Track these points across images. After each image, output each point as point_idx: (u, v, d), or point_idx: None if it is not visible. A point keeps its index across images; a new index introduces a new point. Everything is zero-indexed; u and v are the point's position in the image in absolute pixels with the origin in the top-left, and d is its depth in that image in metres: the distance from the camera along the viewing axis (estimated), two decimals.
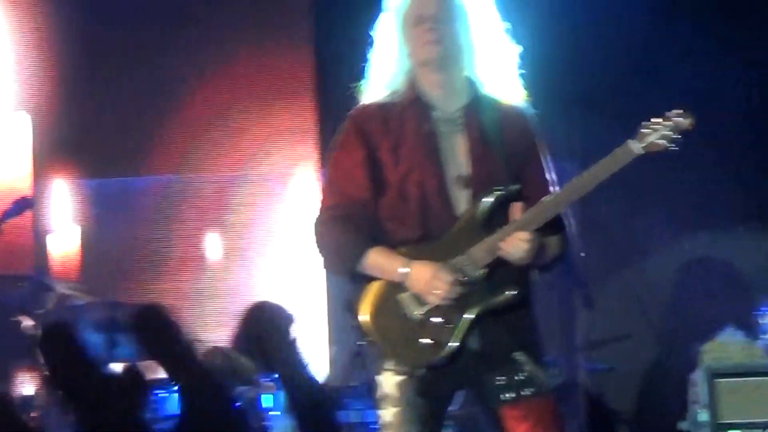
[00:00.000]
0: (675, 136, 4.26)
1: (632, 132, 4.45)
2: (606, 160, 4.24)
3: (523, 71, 4.50)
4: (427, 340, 4.25)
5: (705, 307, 7.53)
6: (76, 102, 8.08)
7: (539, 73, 4.88)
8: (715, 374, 6.39)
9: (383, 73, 4.45)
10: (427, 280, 4.23)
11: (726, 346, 6.49)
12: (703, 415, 6.38)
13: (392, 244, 4.31)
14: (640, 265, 7.80)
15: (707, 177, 7.33)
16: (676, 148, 4.26)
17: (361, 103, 4.43)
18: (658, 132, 4.27)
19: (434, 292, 4.22)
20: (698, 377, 6.47)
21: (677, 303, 7.95)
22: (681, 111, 4.28)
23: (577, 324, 7.34)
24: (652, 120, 4.28)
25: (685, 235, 7.81)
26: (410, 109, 4.35)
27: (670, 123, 4.27)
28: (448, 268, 4.26)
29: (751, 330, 6.61)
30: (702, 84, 7.48)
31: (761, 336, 6.55)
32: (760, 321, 6.61)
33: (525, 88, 4.49)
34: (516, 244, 4.21)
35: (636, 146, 4.24)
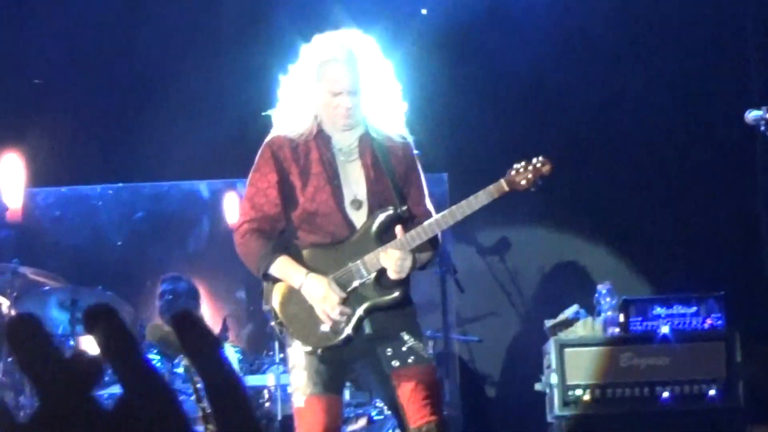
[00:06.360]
0: (535, 179, 4.72)
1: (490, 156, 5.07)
2: (480, 194, 4.64)
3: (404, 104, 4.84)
4: (327, 328, 4.66)
5: (555, 291, 7.86)
6: None
7: (418, 100, 5.37)
8: (563, 345, 6.72)
9: (292, 113, 4.78)
10: (321, 296, 4.64)
11: (571, 322, 6.87)
12: (554, 378, 6.67)
13: (303, 246, 4.74)
14: (502, 256, 8.14)
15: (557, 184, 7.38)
16: (534, 189, 4.74)
17: (275, 133, 4.79)
18: (522, 174, 4.70)
19: (322, 307, 4.64)
20: (550, 347, 6.77)
21: (533, 287, 8.18)
22: (542, 158, 4.76)
23: (451, 304, 7.68)
24: (520, 163, 4.74)
25: (540, 232, 8.14)
26: (314, 140, 4.74)
27: (531, 168, 4.72)
28: (335, 285, 4.64)
29: (591, 309, 6.96)
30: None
31: (599, 314, 6.90)
32: (598, 302, 6.94)
33: (405, 118, 4.88)
34: (392, 262, 4.62)
35: (503, 185, 4.67)
